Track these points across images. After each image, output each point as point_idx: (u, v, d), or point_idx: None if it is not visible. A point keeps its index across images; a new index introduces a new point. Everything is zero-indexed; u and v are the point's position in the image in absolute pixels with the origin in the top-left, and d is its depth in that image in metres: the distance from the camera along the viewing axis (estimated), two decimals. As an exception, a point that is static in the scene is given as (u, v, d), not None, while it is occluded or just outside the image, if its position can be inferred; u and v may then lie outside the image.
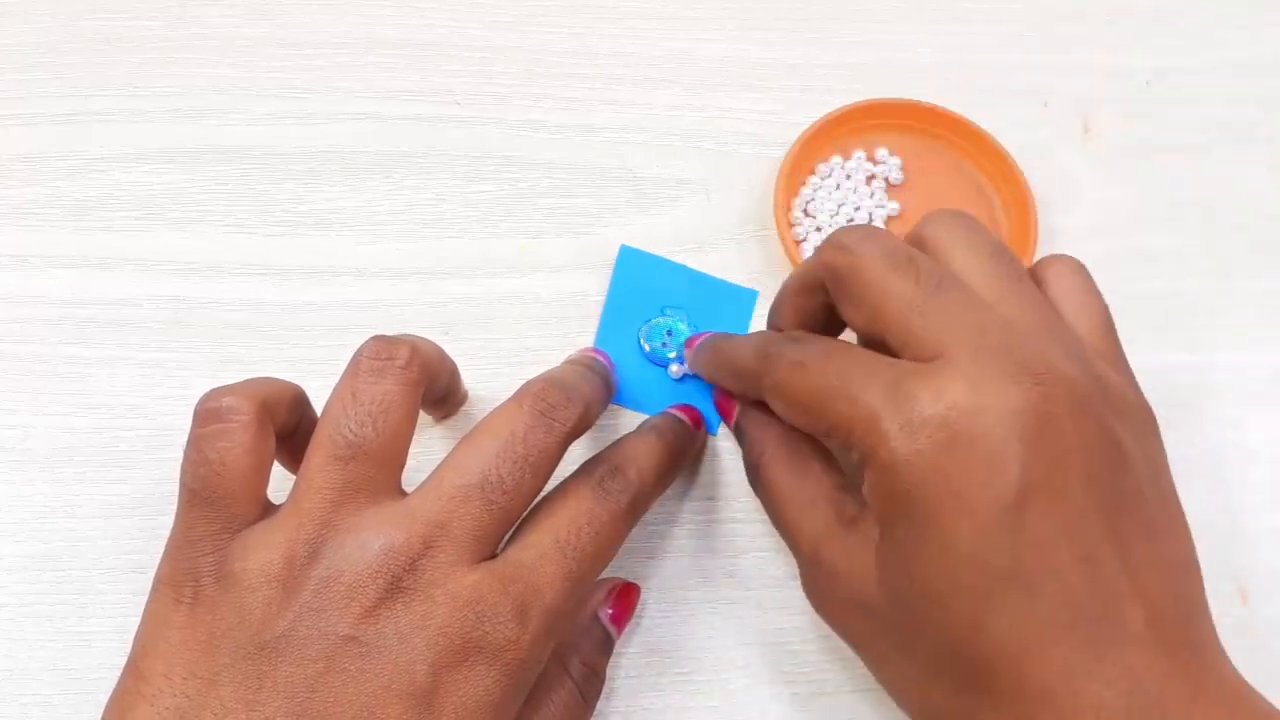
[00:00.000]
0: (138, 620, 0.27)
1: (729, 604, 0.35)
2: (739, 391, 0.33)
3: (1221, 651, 0.26)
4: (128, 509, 0.35)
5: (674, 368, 0.37)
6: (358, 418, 0.27)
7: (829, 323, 0.31)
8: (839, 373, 0.27)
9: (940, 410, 0.25)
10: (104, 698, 0.26)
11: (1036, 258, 0.33)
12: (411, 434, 0.28)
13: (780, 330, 0.32)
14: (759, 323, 0.38)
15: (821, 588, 0.29)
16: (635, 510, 0.30)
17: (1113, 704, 0.23)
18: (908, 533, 0.25)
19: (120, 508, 0.35)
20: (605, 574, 0.31)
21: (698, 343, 0.36)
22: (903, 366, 0.26)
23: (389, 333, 0.29)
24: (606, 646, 0.32)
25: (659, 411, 0.35)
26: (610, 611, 0.33)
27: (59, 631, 0.34)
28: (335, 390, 0.28)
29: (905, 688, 0.28)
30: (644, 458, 0.31)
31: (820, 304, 0.30)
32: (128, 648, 0.26)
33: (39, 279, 0.38)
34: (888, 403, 0.25)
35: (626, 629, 0.34)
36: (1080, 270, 0.30)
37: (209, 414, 0.27)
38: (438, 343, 0.31)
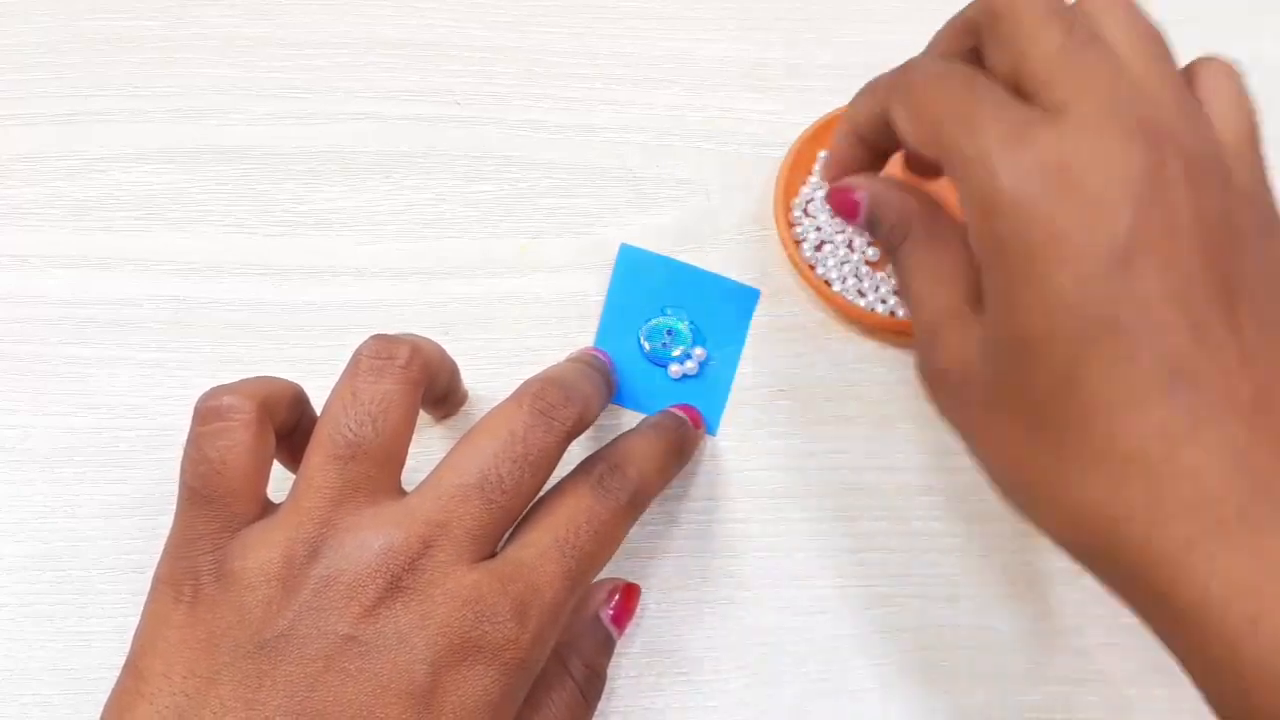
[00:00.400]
0: (137, 620, 0.27)
1: (729, 604, 0.35)
2: (866, 119, 0.31)
3: None
4: (128, 509, 0.35)
5: (674, 367, 0.37)
6: (357, 417, 0.27)
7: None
8: (974, 100, 0.26)
9: (1054, 155, 0.24)
10: (104, 697, 0.26)
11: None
12: (411, 433, 0.28)
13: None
14: (759, 323, 0.38)
15: (932, 362, 0.29)
16: (635, 508, 0.30)
17: (1213, 471, 0.23)
18: (1008, 280, 0.25)
19: (120, 508, 0.35)
20: (605, 574, 0.31)
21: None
22: (1031, 112, 0.26)
23: (389, 332, 0.29)
24: (608, 647, 0.32)
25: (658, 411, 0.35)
26: (611, 612, 0.33)
27: (59, 631, 0.34)
28: (335, 389, 0.28)
29: (1001, 456, 0.27)
30: (643, 455, 0.31)
31: (970, 48, 0.29)
32: (127, 647, 0.27)
33: (39, 279, 0.38)
34: (1004, 141, 0.25)
35: (627, 629, 0.34)
36: (1234, 75, 0.28)
37: (209, 412, 0.27)
38: (438, 342, 0.31)
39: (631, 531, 0.30)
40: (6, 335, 0.38)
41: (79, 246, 0.39)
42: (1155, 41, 0.27)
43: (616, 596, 0.33)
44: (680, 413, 0.35)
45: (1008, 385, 0.26)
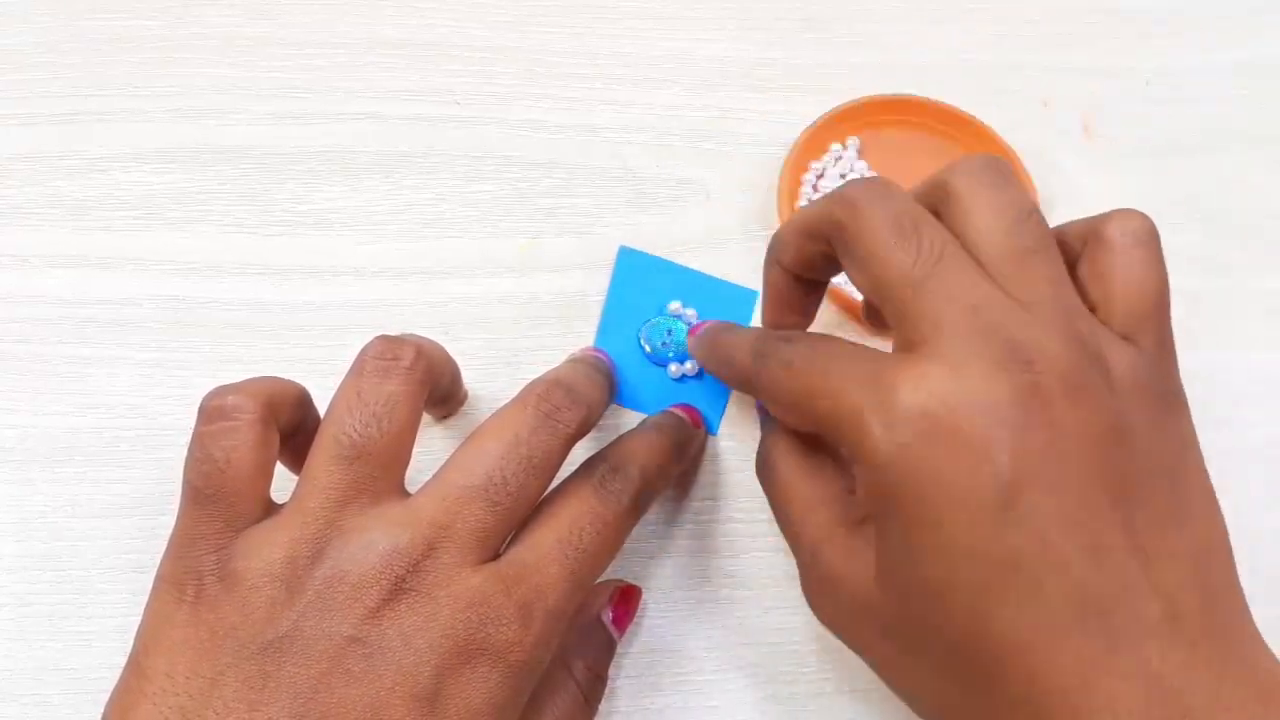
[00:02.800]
0: (138, 620, 0.27)
1: (729, 604, 0.35)
2: (736, 387, 0.33)
3: (1254, 636, 0.25)
4: (128, 509, 0.35)
5: (674, 367, 0.37)
6: (362, 418, 0.27)
7: (830, 267, 0.30)
8: (823, 371, 0.26)
9: (920, 400, 0.24)
10: (104, 697, 0.26)
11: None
12: (415, 434, 0.28)
13: (781, 265, 0.31)
14: (759, 323, 0.38)
15: (821, 589, 0.29)
16: (637, 508, 0.30)
17: (1130, 699, 0.23)
18: (901, 530, 0.25)
19: (120, 508, 0.35)
20: (606, 574, 0.31)
21: (699, 330, 0.35)
22: (885, 358, 0.25)
23: (390, 332, 0.29)
24: (609, 649, 0.32)
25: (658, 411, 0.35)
26: (612, 614, 0.33)
27: (59, 631, 0.34)
28: (340, 390, 0.28)
29: (917, 691, 0.27)
30: (644, 455, 0.31)
31: (822, 251, 0.29)
32: (128, 647, 0.26)
33: (39, 279, 0.38)
34: (869, 396, 0.25)
35: (627, 630, 0.34)
36: (1146, 241, 0.27)
37: (214, 411, 0.27)
38: (439, 343, 0.31)
39: (633, 531, 0.30)
40: (6, 335, 0.38)
41: (79, 246, 0.39)
42: (1024, 227, 0.26)
43: (617, 599, 0.33)
44: (681, 413, 0.35)
45: (915, 628, 0.25)
